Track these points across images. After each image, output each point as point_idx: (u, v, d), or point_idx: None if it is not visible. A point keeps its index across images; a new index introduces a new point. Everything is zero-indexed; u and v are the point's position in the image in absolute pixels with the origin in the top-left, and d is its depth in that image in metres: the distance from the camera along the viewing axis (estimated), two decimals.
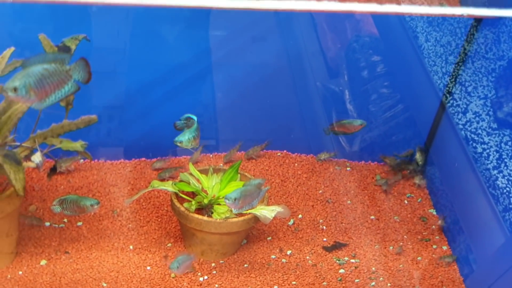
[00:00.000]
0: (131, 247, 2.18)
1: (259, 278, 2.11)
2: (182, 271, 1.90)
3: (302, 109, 2.72)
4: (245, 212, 1.97)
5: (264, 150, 2.71)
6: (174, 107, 2.53)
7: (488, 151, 2.22)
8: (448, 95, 2.47)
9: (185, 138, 1.84)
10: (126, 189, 2.42)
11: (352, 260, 2.22)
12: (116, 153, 2.59)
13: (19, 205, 2.01)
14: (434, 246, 2.31)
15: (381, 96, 2.62)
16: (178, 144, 1.85)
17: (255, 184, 1.84)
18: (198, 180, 2.15)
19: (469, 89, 2.38)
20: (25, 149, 1.92)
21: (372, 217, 2.43)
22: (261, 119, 2.68)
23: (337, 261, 2.21)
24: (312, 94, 2.69)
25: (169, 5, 1.94)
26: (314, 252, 2.24)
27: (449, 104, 2.47)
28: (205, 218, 2.02)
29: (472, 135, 2.31)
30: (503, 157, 2.17)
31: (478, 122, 2.31)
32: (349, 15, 2.64)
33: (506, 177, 2.11)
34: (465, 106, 2.38)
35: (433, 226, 2.38)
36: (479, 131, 2.29)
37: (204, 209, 2.10)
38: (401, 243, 2.31)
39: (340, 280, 2.13)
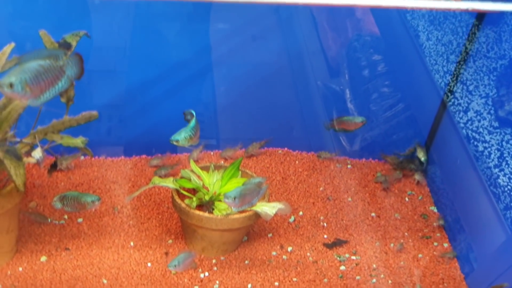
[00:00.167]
0: (131, 243, 2.18)
1: (260, 274, 2.10)
2: (181, 270, 1.90)
3: (303, 107, 2.72)
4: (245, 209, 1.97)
5: (265, 148, 2.70)
6: (174, 105, 2.52)
7: (489, 149, 2.22)
8: (449, 94, 2.47)
9: (181, 137, 1.82)
10: (126, 186, 2.42)
11: (353, 257, 2.22)
12: (116, 150, 2.59)
13: (19, 201, 2.00)
14: (435, 244, 2.31)
15: (382, 95, 2.62)
16: (175, 143, 1.83)
17: (255, 182, 1.84)
18: (199, 176, 2.15)
19: (471, 88, 2.38)
20: (26, 145, 1.92)
21: (373, 214, 2.42)
22: (262, 117, 2.68)
23: (338, 258, 2.20)
24: (313, 92, 2.69)
25: None
26: (315, 249, 2.24)
27: (450, 103, 2.47)
28: (206, 214, 2.02)
29: (474, 134, 2.31)
30: (504, 155, 2.17)
31: (479, 121, 2.31)
32: (350, 14, 2.64)
33: (507, 176, 2.11)
34: (466, 104, 2.38)
35: (434, 224, 2.38)
36: (481, 129, 2.29)
37: (205, 205, 2.10)
38: (402, 241, 2.31)
39: (341, 277, 2.12)
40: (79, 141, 1.98)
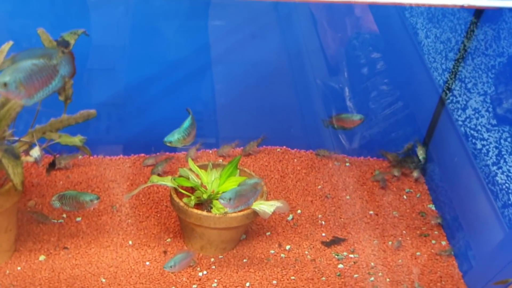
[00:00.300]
0: (130, 242, 2.18)
1: (258, 273, 2.11)
2: (178, 270, 1.90)
3: (302, 106, 2.72)
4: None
5: (264, 146, 2.71)
6: (173, 103, 2.52)
7: (487, 147, 2.23)
8: (447, 92, 2.47)
9: (174, 138, 1.82)
10: (125, 185, 2.42)
11: (351, 255, 2.22)
12: (115, 149, 2.59)
13: (18, 200, 2.00)
14: (433, 242, 2.31)
15: (381, 92, 2.62)
16: (168, 144, 1.82)
17: (251, 183, 1.84)
18: (197, 175, 2.15)
19: (469, 85, 2.38)
20: (24, 143, 1.92)
21: (371, 212, 2.43)
22: (261, 115, 2.68)
23: (336, 256, 2.21)
24: (311, 90, 2.69)
25: None
26: (313, 247, 2.24)
27: (448, 101, 2.47)
28: (204, 213, 2.02)
29: (472, 132, 2.31)
30: (503, 153, 2.17)
31: (477, 119, 2.31)
32: (349, 12, 2.64)
33: (505, 173, 2.11)
34: (464, 102, 2.38)
35: (432, 222, 2.38)
36: (479, 127, 2.29)
37: (204, 204, 2.10)
38: (400, 238, 2.31)
39: (339, 275, 2.13)
40: (77, 140, 1.98)
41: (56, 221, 2.24)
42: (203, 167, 2.21)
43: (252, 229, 2.30)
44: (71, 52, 1.46)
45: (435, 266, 2.21)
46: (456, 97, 2.43)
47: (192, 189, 2.14)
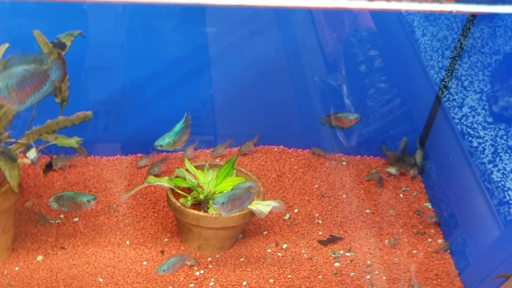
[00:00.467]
0: (127, 242, 2.19)
1: (255, 272, 2.12)
2: (171, 273, 1.91)
3: (299, 105, 2.73)
4: None
5: (261, 146, 2.71)
6: (170, 103, 2.53)
7: (483, 145, 2.23)
8: (444, 90, 2.47)
9: (165, 142, 1.81)
10: (122, 185, 2.43)
11: (348, 254, 2.23)
12: (112, 149, 2.59)
13: (15, 201, 2.02)
14: (429, 240, 2.32)
15: (378, 90, 2.62)
16: (159, 147, 1.82)
17: (245, 187, 1.83)
18: (194, 175, 2.16)
19: (465, 83, 2.39)
20: (21, 145, 1.93)
21: (368, 211, 2.43)
22: (258, 114, 2.68)
23: (333, 255, 2.22)
24: (308, 90, 2.70)
25: (162, 2, 1.94)
26: (310, 246, 2.25)
27: (445, 99, 2.47)
28: (201, 213, 2.03)
29: (468, 129, 2.31)
30: (498, 151, 2.17)
31: (474, 116, 2.32)
32: (347, 9, 2.64)
33: (501, 171, 2.12)
34: (461, 100, 2.39)
35: (428, 220, 2.39)
36: (475, 125, 2.30)
37: (200, 204, 2.11)
38: (396, 237, 2.32)
39: (335, 273, 2.14)
40: (73, 141, 1.99)
41: (53, 221, 2.25)
42: (200, 167, 2.21)
43: (249, 228, 2.31)
44: (61, 57, 1.46)
45: (431, 264, 2.22)
46: (453, 95, 2.43)
47: (188, 190, 2.15)
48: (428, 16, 2.54)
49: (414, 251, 2.27)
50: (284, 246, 2.25)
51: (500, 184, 2.09)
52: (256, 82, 2.61)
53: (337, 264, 2.18)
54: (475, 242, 2.15)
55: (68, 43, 1.94)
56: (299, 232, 2.31)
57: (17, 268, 2.06)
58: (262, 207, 2.02)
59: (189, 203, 2.08)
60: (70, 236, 2.19)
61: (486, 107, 2.28)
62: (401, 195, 2.53)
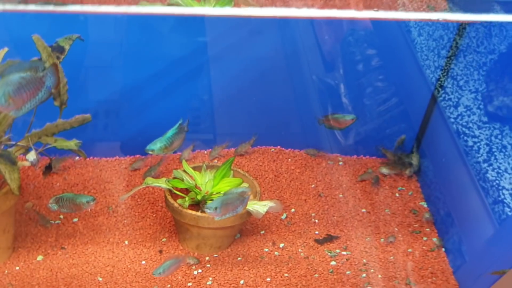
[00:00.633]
0: (126, 242, 2.22)
1: (252, 271, 2.15)
2: (167, 275, 1.94)
3: (296, 105, 2.74)
4: None
5: (258, 146, 2.73)
6: (169, 104, 2.55)
7: (478, 144, 2.25)
8: (440, 89, 2.49)
9: (156, 147, 1.82)
10: (121, 186, 2.46)
11: (344, 252, 2.25)
12: (111, 150, 2.62)
13: (16, 202, 2.04)
14: (425, 238, 2.35)
15: (375, 90, 2.64)
16: (150, 152, 1.82)
17: (238, 192, 1.84)
18: (191, 177, 2.18)
19: (461, 83, 2.40)
20: (20, 148, 1.95)
21: (364, 210, 2.46)
22: (255, 114, 2.70)
23: (329, 254, 2.24)
24: (305, 90, 2.71)
25: (160, 13, 1.96)
26: (306, 245, 2.28)
27: (441, 98, 2.48)
28: (199, 213, 2.06)
29: (463, 129, 2.33)
30: (493, 150, 2.19)
31: (469, 116, 2.33)
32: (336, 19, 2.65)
33: (495, 170, 2.14)
34: (456, 100, 2.40)
35: (424, 219, 2.41)
36: (470, 124, 2.32)
37: (198, 204, 2.14)
38: (392, 236, 2.34)
39: (331, 272, 2.16)
40: (72, 144, 2.02)
41: (53, 222, 2.28)
42: (197, 168, 2.24)
43: (246, 228, 2.34)
44: (55, 64, 1.49)
45: (426, 262, 2.24)
46: (448, 95, 2.45)
47: (186, 190, 2.18)
48: None
49: (410, 250, 2.29)
50: (281, 245, 2.27)
51: (494, 183, 2.10)
52: (253, 83, 2.63)
53: (333, 263, 2.20)
54: (470, 240, 2.17)
55: (67, 47, 1.96)
56: (296, 231, 2.34)
57: (17, 268, 2.09)
58: (259, 207, 2.05)
59: (187, 203, 2.11)
60: (69, 236, 2.22)
61: (481, 106, 2.30)
62: (397, 195, 2.55)
